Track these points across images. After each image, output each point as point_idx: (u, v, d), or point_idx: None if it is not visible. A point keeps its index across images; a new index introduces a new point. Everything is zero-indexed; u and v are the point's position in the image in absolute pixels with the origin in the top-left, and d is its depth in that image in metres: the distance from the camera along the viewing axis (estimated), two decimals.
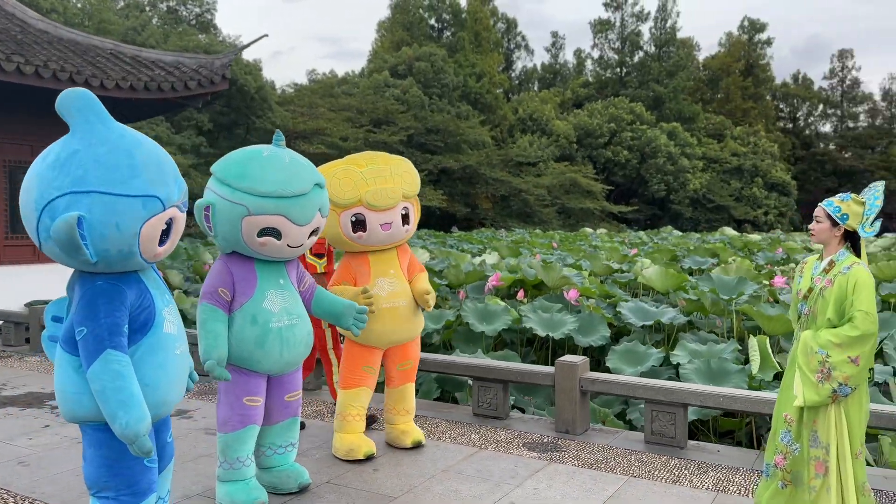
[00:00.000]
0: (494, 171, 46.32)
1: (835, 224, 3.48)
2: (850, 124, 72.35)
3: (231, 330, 3.63)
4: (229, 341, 3.59)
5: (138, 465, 2.80)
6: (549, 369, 5.48)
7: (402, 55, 58.45)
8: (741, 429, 6.32)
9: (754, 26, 74.79)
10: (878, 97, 71.99)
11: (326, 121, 41.46)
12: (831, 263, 3.49)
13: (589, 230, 32.30)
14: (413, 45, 59.61)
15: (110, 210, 2.52)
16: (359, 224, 4.46)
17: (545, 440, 5.13)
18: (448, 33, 65.99)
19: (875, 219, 3.46)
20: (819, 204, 3.58)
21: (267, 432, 3.91)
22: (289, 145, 3.98)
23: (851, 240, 3.51)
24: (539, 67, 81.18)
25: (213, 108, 33.67)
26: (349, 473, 4.41)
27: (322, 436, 5.17)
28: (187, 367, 2.94)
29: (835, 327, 3.39)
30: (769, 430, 5.96)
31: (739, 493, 4.12)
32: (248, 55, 46.75)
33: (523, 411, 6.52)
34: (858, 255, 3.51)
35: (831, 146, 71.13)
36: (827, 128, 74.06)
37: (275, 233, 3.61)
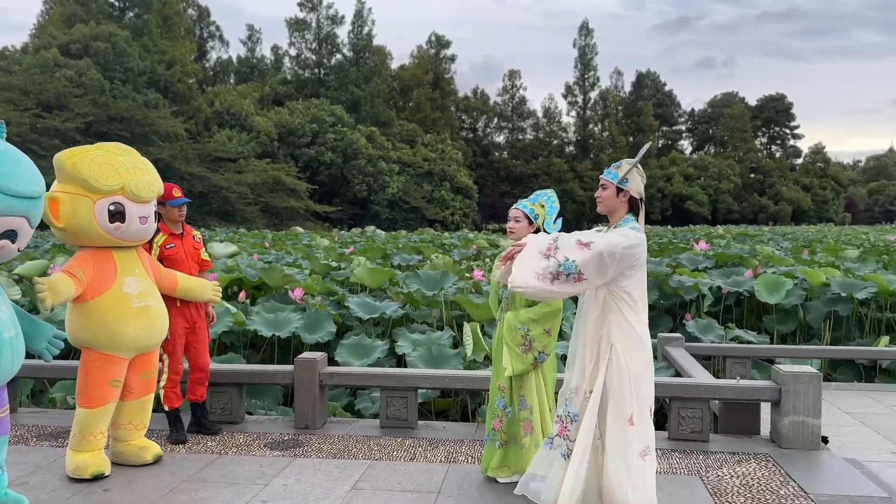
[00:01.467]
0: (190, 166, 43.78)
1: (530, 223, 4.20)
2: (520, 136, 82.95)
3: None
4: None
5: None
6: (288, 368, 5.53)
7: (77, 32, 51.94)
8: (454, 407, 7.05)
9: (440, 42, 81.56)
10: (540, 114, 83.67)
11: None
12: None
13: (300, 230, 32.33)
14: (89, 23, 53.39)
15: None
16: (117, 214, 4.11)
17: (286, 438, 5.18)
18: (132, 14, 60.37)
19: (556, 217, 4.26)
20: (515, 207, 4.28)
21: None
22: None
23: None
24: (235, 60, 78.53)
25: None
26: (76, 497, 3.99)
27: (33, 461, 4.57)
28: None
29: (530, 307, 4.08)
30: (480, 405, 6.79)
31: (468, 462, 4.65)
32: None
33: (251, 414, 6.45)
34: None
35: (504, 154, 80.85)
36: (501, 138, 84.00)
37: (12, 235, 3.20)
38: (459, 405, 7.02)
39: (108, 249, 4.25)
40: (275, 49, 78.36)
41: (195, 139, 50.61)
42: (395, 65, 79.27)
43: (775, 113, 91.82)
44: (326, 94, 67.22)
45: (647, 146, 3.59)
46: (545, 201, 4.28)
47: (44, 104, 39.81)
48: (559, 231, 4.30)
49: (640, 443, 3.29)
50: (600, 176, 3.58)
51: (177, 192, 5.08)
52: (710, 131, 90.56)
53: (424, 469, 4.52)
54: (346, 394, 7.12)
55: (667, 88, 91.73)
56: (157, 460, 4.60)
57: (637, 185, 3.50)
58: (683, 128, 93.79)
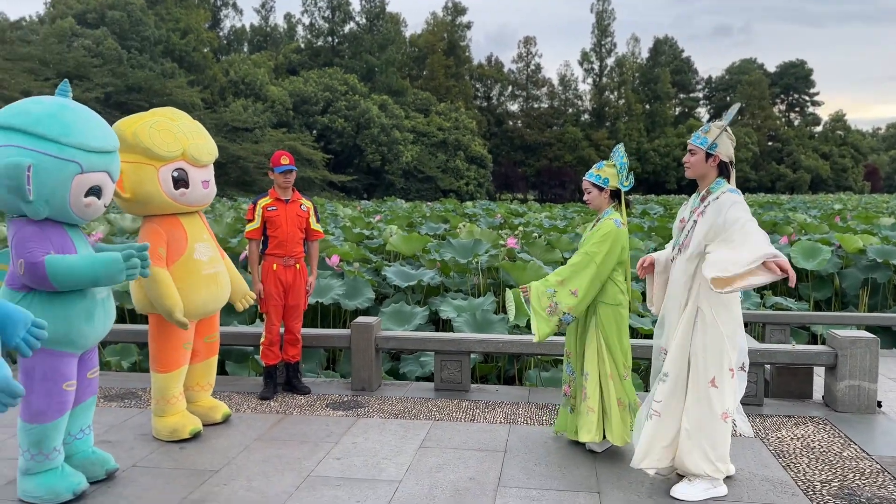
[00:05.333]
0: None
1: (600, 190, 4.17)
2: (534, 104, 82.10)
3: (52, 306, 3.18)
4: (49, 321, 3.11)
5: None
6: (344, 331, 5.64)
7: (92, 1, 51.78)
8: (493, 372, 7.15)
9: (457, 9, 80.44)
10: (555, 81, 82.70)
11: (2, 71, 35.33)
12: (599, 220, 4.19)
13: (324, 199, 32.46)
14: None
15: None
16: (181, 180, 4.18)
17: (345, 399, 5.30)
18: None
19: (628, 173, 4.18)
20: (584, 178, 4.24)
21: (70, 416, 3.51)
22: None
23: (617, 198, 4.20)
24: (249, 29, 78.09)
25: None
26: (155, 455, 4.13)
27: (105, 421, 4.72)
28: None
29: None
30: (521, 370, 6.87)
31: (526, 423, 4.75)
32: None
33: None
34: (625, 208, 4.20)
35: (519, 123, 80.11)
36: (515, 107, 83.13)
37: (98, 192, 3.28)
38: (502, 370, 7.12)
39: (176, 216, 4.29)
40: (288, 17, 77.78)
41: (211, 109, 50.49)
42: (408, 32, 78.45)
43: (794, 80, 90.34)
44: (340, 63, 66.73)
45: (736, 107, 3.55)
46: (615, 159, 4.18)
47: (63, 74, 39.73)
48: (631, 187, 4.24)
49: (721, 405, 3.35)
50: (688, 141, 3.59)
51: (284, 160, 5.20)
52: (728, 99, 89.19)
53: (486, 429, 4.62)
54: (388, 358, 7.23)
55: (684, 55, 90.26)
56: (226, 420, 4.74)
57: (727, 148, 3.50)
58: (700, 95, 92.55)
